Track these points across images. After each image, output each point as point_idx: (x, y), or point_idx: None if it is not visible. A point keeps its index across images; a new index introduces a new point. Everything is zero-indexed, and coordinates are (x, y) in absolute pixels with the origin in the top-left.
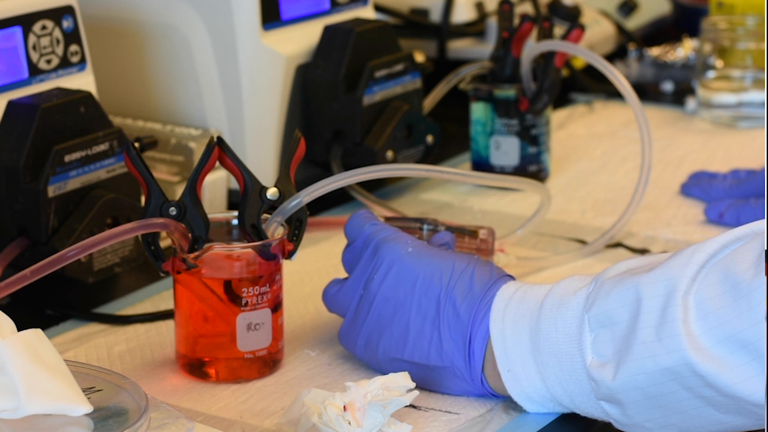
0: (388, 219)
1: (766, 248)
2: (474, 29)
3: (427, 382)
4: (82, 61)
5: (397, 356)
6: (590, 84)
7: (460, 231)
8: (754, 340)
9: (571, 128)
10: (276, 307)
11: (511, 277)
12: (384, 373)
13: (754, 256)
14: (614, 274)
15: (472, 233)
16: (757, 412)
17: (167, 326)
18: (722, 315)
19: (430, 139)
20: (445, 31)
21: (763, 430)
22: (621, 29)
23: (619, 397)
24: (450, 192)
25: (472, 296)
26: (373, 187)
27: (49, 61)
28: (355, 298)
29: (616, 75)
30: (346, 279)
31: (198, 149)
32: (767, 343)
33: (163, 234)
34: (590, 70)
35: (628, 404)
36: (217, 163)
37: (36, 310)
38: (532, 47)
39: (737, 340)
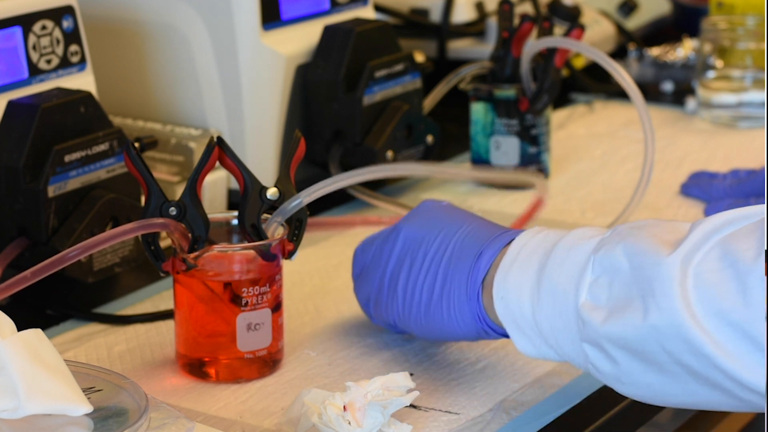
0: None
1: (766, 249)
2: (474, 29)
3: (437, 308)
4: (82, 61)
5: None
6: (590, 84)
7: None
8: (742, 321)
9: (571, 128)
10: (276, 307)
11: None
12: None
13: (756, 237)
14: (632, 226)
15: None
16: (736, 392)
17: (167, 326)
18: (718, 290)
19: (430, 139)
20: (445, 31)
21: (730, 412)
22: (621, 29)
23: (603, 343)
24: (450, 192)
25: (491, 229)
26: (373, 187)
27: (49, 61)
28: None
29: (619, 70)
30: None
31: (198, 149)
32: (767, 337)
33: (163, 234)
34: (590, 70)
35: (611, 352)
36: (217, 163)
37: (36, 310)
38: (532, 45)
39: (727, 318)
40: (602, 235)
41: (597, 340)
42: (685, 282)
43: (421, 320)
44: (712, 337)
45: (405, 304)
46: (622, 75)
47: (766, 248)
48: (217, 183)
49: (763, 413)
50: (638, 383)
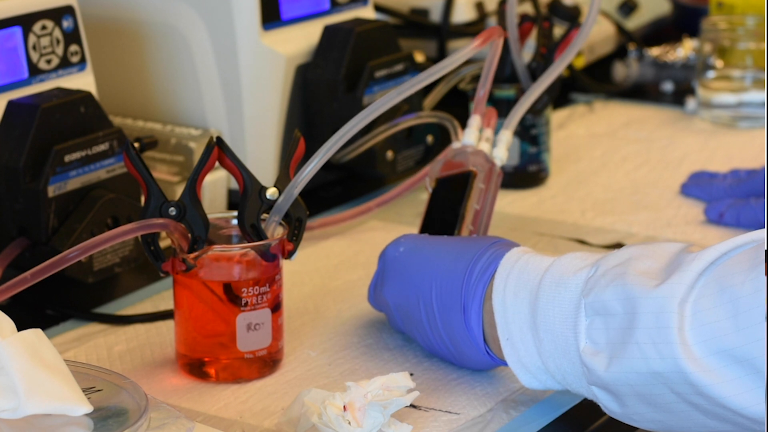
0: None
1: (766, 257)
2: (474, 29)
3: (461, 358)
4: (82, 61)
5: (430, 346)
6: (590, 84)
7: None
8: (750, 357)
9: (571, 128)
10: (276, 307)
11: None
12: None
13: (750, 267)
14: (616, 263)
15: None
16: (746, 425)
17: (167, 326)
18: (718, 328)
19: (430, 139)
20: (445, 31)
21: None
22: (621, 29)
23: (610, 387)
24: None
25: (457, 270)
26: (372, 187)
27: (49, 61)
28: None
29: None
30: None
31: (198, 149)
32: None
33: (163, 234)
34: (590, 70)
35: (619, 395)
36: (217, 163)
37: (36, 310)
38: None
39: (731, 355)
40: (587, 270)
41: (603, 385)
42: (683, 325)
43: (455, 363)
44: (718, 376)
45: (435, 352)
46: None
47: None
48: (217, 183)
49: None
50: (648, 420)
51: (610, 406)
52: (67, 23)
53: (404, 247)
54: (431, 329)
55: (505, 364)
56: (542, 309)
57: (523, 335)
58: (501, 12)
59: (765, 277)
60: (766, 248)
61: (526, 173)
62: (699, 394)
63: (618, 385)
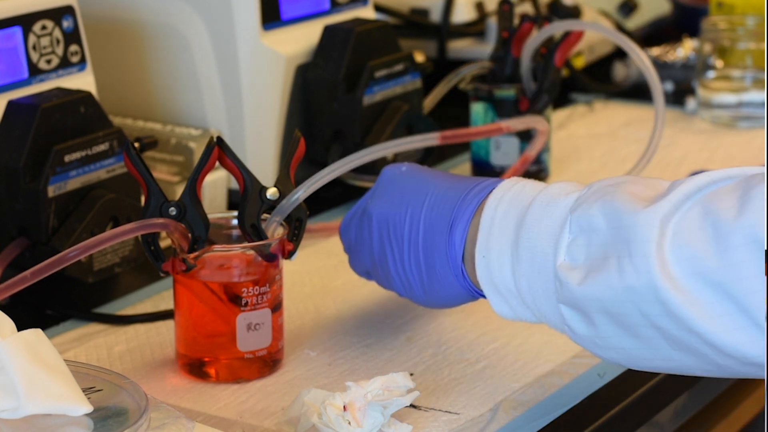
0: None
1: None
2: (474, 29)
3: (431, 285)
4: (82, 61)
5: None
6: (590, 84)
7: None
8: (725, 282)
9: (571, 128)
10: (276, 307)
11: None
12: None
13: (738, 196)
14: (609, 183)
15: None
16: (709, 355)
17: (167, 326)
18: (697, 249)
19: None
20: (445, 31)
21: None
22: (621, 29)
23: (580, 304)
24: None
25: (454, 191)
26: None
27: (49, 61)
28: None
29: (637, 51)
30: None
31: (198, 149)
32: (767, 310)
33: (163, 234)
34: (590, 70)
35: (587, 313)
36: (217, 163)
37: (36, 310)
38: (534, 39)
39: (706, 278)
40: (579, 192)
41: (574, 302)
42: (663, 242)
43: (420, 297)
44: (690, 298)
45: (403, 284)
46: (641, 56)
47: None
48: (217, 183)
49: (763, 410)
50: (613, 346)
51: (577, 327)
52: (67, 23)
53: (407, 167)
54: (409, 246)
55: (475, 293)
56: (527, 227)
57: (501, 254)
58: (501, 12)
59: (750, 206)
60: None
61: (526, 173)
62: (668, 314)
63: (588, 301)
